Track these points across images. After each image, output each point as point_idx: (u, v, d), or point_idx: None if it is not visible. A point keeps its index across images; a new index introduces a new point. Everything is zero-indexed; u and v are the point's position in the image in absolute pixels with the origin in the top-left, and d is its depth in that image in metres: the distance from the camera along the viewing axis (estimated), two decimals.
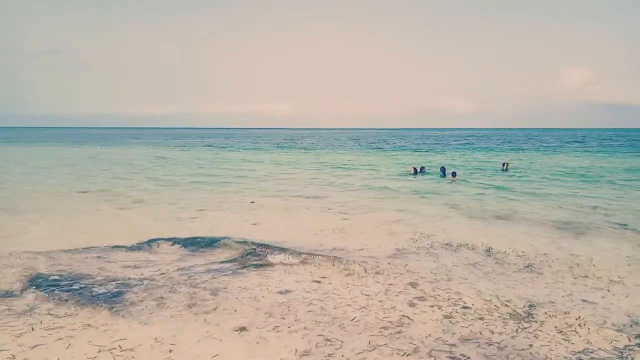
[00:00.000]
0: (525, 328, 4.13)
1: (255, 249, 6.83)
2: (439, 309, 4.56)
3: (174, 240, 7.51)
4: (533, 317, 4.35)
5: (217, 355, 3.60)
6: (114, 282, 5.22)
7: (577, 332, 4.04)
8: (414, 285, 5.28)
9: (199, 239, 7.58)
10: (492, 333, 4.03)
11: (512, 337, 3.96)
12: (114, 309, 4.40)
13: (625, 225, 8.93)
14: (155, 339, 3.83)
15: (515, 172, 19.37)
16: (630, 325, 4.20)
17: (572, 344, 3.83)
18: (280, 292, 5.00)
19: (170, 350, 3.65)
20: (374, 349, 3.70)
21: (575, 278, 5.71)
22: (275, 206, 11.31)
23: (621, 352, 3.69)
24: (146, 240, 7.57)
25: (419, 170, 19.02)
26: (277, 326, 4.11)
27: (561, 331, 4.07)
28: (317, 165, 24.54)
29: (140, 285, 5.14)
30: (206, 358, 3.56)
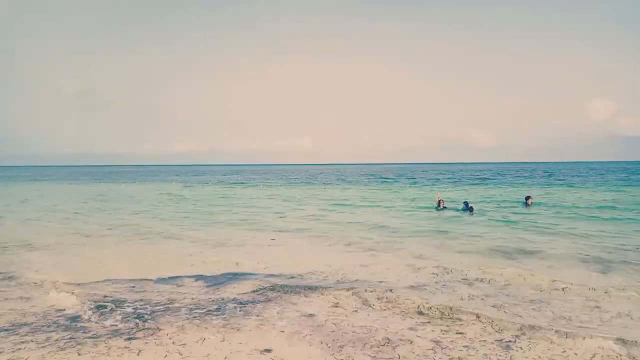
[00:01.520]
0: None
1: (277, 283, 7.18)
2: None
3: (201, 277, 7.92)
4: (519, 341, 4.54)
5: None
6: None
7: None
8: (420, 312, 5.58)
9: (227, 274, 7.98)
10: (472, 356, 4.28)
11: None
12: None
13: None
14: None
15: (539, 207, 19.19)
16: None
17: None
18: (304, 315, 5.35)
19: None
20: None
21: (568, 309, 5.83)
22: (294, 243, 11.65)
23: None
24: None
25: (441, 204, 18.95)
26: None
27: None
28: (337, 201, 24.79)
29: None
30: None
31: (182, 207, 21.57)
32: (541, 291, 6.82)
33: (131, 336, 4.84)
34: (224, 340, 4.73)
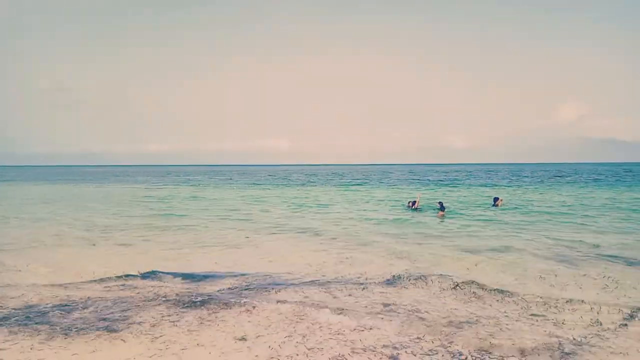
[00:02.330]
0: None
1: (250, 282, 7.39)
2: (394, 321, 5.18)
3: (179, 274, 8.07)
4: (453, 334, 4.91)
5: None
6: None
7: None
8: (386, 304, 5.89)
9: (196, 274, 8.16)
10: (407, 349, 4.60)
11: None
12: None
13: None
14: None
15: (508, 207, 19.92)
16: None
17: None
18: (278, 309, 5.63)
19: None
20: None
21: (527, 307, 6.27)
22: (268, 243, 11.85)
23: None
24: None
25: (413, 204, 19.55)
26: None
27: None
28: (312, 200, 25.09)
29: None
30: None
31: (153, 207, 21.46)
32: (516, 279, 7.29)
33: (112, 329, 5.01)
34: (200, 332, 4.97)
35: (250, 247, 11.28)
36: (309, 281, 7.60)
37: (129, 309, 5.79)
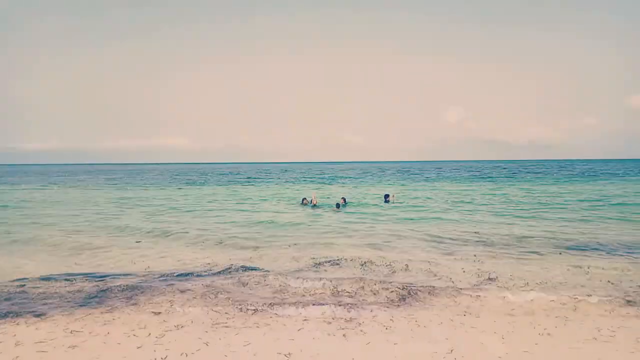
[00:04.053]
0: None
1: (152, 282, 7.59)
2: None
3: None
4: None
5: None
6: None
7: None
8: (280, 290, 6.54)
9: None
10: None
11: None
12: None
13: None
14: None
15: (399, 203, 21.59)
16: None
17: None
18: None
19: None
20: None
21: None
22: (162, 244, 11.69)
23: None
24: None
25: (310, 202, 20.28)
26: None
27: None
28: (208, 199, 24.88)
29: None
30: None
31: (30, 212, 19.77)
32: (391, 266, 8.35)
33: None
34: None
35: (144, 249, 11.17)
36: (208, 274, 7.97)
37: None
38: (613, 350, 4.73)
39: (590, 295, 6.50)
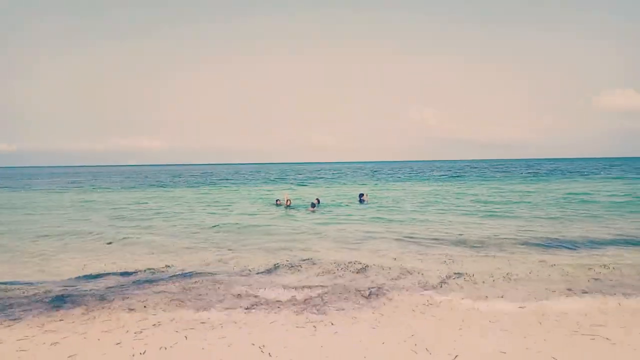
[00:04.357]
0: None
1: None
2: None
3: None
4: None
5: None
6: None
7: None
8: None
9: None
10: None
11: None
12: None
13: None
14: None
15: (372, 203, 21.97)
16: None
17: None
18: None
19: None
20: None
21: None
22: (132, 248, 11.60)
23: None
24: None
25: (287, 202, 20.51)
26: None
27: None
28: (179, 201, 24.78)
29: None
30: None
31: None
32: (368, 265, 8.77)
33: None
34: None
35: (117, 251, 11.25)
36: (181, 274, 8.19)
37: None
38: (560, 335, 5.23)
39: (554, 291, 6.95)
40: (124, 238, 12.81)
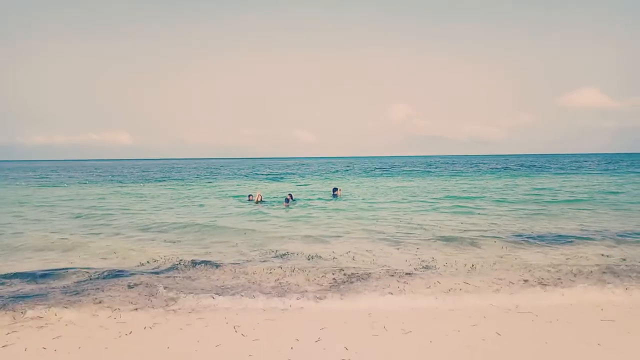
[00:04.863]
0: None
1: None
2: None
3: None
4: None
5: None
6: None
7: None
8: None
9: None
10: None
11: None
12: None
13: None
14: None
15: (346, 198, 22.20)
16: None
17: None
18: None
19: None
20: None
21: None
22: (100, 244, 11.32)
23: None
24: None
25: (258, 198, 20.29)
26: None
27: None
28: (148, 197, 24.46)
29: None
30: None
31: None
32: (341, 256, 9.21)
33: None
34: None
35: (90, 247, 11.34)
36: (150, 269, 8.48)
37: None
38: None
39: (512, 283, 7.38)
40: (89, 235, 12.59)
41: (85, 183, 37.77)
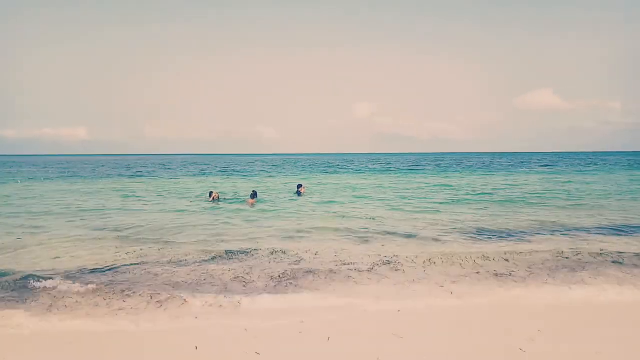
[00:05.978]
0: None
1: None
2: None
3: None
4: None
5: None
6: None
7: None
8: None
9: None
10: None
11: None
12: None
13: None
14: None
15: (310, 195, 22.01)
16: None
17: None
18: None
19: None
20: None
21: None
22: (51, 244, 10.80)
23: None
24: None
25: (214, 196, 19.80)
26: None
27: None
28: (104, 194, 23.77)
29: None
30: None
31: None
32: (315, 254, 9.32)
33: None
34: None
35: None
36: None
37: None
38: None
39: (465, 276, 7.75)
40: (37, 234, 12.05)
41: (50, 179, 35.69)
